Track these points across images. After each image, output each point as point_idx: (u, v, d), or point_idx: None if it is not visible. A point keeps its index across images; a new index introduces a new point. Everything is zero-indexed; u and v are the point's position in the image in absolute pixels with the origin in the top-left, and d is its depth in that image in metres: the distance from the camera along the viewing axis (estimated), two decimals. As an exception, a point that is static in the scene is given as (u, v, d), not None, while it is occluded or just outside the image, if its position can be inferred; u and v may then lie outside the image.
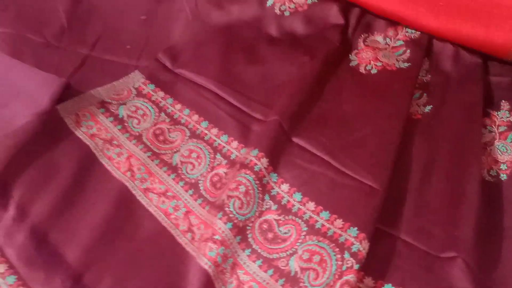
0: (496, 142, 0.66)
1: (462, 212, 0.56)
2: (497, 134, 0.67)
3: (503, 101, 0.70)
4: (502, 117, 0.69)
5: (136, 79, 0.73)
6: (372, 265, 0.53)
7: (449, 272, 0.52)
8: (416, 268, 0.53)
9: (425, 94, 0.71)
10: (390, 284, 0.52)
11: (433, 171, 0.62)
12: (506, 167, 0.64)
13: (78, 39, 0.78)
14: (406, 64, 0.72)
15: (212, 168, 0.63)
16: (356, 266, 0.50)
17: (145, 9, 0.83)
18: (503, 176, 0.63)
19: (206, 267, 0.50)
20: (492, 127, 0.68)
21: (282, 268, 0.52)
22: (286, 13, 0.81)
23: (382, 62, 0.73)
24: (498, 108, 0.70)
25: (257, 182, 0.58)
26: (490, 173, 0.64)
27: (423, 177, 0.61)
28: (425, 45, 0.74)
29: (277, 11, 0.81)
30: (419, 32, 0.75)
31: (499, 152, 0.65)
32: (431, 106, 0.70)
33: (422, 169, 0.62)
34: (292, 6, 0.81)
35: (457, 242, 0.54)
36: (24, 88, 0.64)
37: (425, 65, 0.74)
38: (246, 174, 0.58)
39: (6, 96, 0.64)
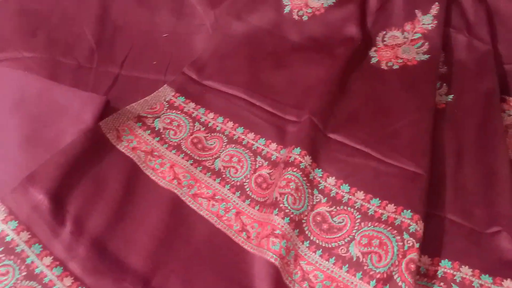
0: None
1: (498, 191, 0.60)
2: None
3: None
4: None
5: (166, 93, 0.75)
6: (425, 244, 0.54)
7: (498, 245, 0.55)
8: (466, 243, 0.56)
9: (444, 84, 0.74)
10: (446, 260, 0.54)
11: (463, 157, 0.65)
12: None
13: (108, 59, 0.80)
14: (426, 56, 0.74)
15: (255, 170, 0.65)
16: (417, 245, 0.52)
17: (166, 26, 0.85)
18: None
19: (272, 260, 0.52)
20: (510, 111, 0.72)
21: (343, 255, 0.54)
22: (304, 18, 0.83)
23: (402, 58, 0.75)
24: (513, 94, 0.74)
25: (305, 178, 0.60)
26: None
27: (456, 162, 0.64)
28: (441, 36, 0.76)
29: (296, 17, 0.83)
30: (435, 23, 0.77)
31: None
32: (452, 95, 0.73)
33: (454, 155, 0.65)
34: (309, 10, 0.83)
35: (499, 217, 0.57)
36: (67, 108, 0.66)
37: (441, 57, 0.77)
38: (294, 171, 0.59)
39: (49, 117, 0.66)
